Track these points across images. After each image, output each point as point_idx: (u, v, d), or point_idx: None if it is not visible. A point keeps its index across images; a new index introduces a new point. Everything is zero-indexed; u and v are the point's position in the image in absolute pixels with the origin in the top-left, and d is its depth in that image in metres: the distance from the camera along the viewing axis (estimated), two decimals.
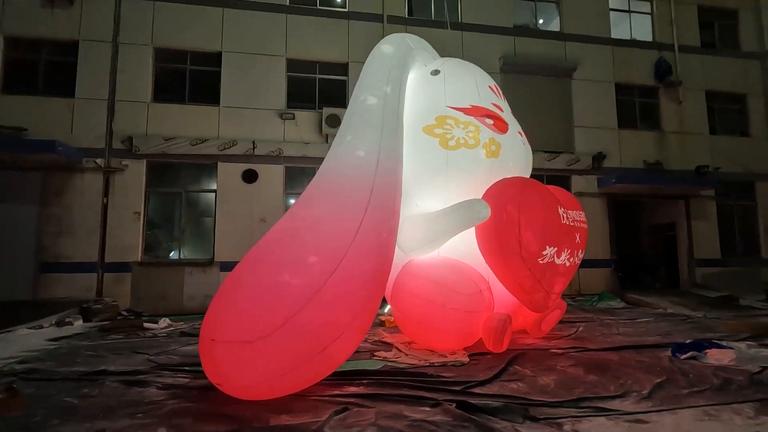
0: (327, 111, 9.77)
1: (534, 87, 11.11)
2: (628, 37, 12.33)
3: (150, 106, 9.44)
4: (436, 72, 6.04)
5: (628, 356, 4.95)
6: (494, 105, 5.91)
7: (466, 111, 5.67)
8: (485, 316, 5.01)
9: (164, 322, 7.15)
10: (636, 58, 12.08)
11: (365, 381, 3.88)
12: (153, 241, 9.55)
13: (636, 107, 12.11)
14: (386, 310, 7.13)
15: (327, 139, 9.95)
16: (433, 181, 5.45)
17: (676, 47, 12.30)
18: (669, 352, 5.06)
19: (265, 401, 3.32)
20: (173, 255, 9.48)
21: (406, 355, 4.96)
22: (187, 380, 3.97)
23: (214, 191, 9.55)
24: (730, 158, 12.13)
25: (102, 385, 3.83)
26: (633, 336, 6.25)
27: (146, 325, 6.92)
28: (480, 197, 5.27)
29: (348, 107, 5.37)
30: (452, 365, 4.52)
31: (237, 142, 9.51)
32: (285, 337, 3.19)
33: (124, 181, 9.07)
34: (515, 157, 5.80)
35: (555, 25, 12.08)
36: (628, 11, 12.50)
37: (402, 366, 4.47)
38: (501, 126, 5.70)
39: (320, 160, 9.52)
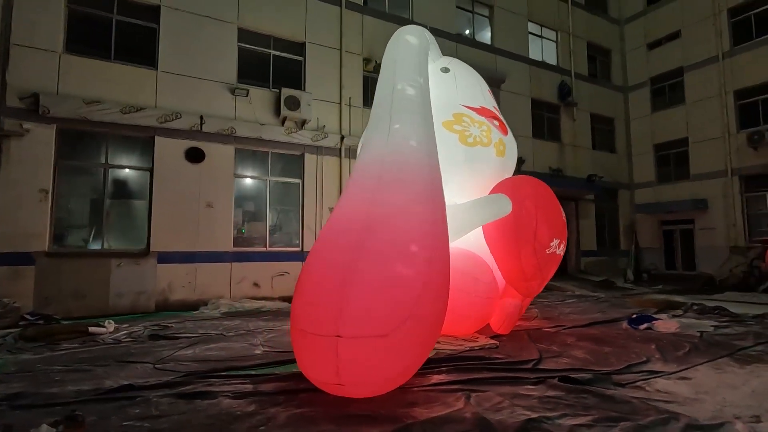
0: (286, 92, 9.11)
1: None
2: (540, 59, 14.28)
3: (62, 57, 7.51)
4: (446, 70, 6.25)
5: (605, 330, 5.98)
6: (495, 108, 6.41)
7: (477, 111, 6.03)
8: (499, 302, 5.48)
9: (111, 325, 5.91)
10: (546, 79, 14.08)
11: (443, 368, 3.96)
12: (66, 226, 7.68)
13: (545, 121, 14.13)
14: None
15: (284, 122, 9.29)
16: (452, 176, 5.65)
17: (572, 73, 14.72)
18: (626, 325, 6.28)
19: (372, 397, 3.18)
20: (94, 244, 7.77)
21: (438, 342, 5.12)
22: (251, 387, 3.50)
23: (149, 170, 8.11)
24: (604, 170, 15.07)
25: (150, 402, 3.16)
26: (582, 314, 7.48)
27: (92, 329, 5.64)
28: (487, 193, 5.74)
29: (380, 93, 5.18)
30: (489, 348, 4.86)
31: (181, 114, 8.22)
32: (412, 329, 3.12)
33: (23, 150, 7.07)
34: (513, 157, 6.40)
35: (487, 38, 13.29)
36: (541, 36, 14.47)
37: (448, 351, 4.64)
38: (503, 128, 6.23)
39: (277, 144, 8.99)
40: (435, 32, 11.38)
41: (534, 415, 2.86)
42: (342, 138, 9.97)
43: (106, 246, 7.76)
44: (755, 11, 12.87)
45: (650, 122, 15.54)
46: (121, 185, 8.13)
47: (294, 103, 9.16)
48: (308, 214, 9.54)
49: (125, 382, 3.56)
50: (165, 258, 7.95)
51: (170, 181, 8.14)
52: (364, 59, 10.61)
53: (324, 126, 9.84)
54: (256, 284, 8.81)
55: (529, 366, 4.07)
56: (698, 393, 3.36)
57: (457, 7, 12.51)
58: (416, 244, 3.54)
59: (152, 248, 7.89)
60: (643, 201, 15.31)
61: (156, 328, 6.10)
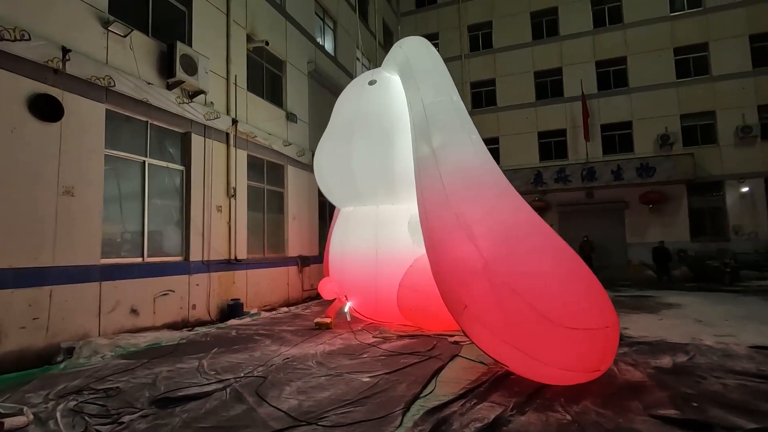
0: (182, 48, 6.80)
1: (326, 99, 12.38)
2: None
3: None
4: None
5: None
6: None
7: None
8: None
9: (28, 411, 3.17)
10: None
11: None
12: None
13: None
14: (345, 309, 6.68)
15: (169, 86, 6.87)
16: None
17: None
18: None
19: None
20: None
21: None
22: (494, 406, 3.28)
23: None
24: None
25: None
26: None
27: (9, 422, 2.91)
28: None
29: (433, 99, 5.47)
30: None
31: (29, 35, 4.84)
32: None
33: None
34: None
35: (331, 50, 13.75)
36: (361, 63, 16.18)
37: None
38: None
39: (163, 114, 7.12)
40: (302, 30, 11.16)
41: (666, 359, 4.24)
42: (234, 122, 8.24)
43: None
44: (485, 89, 19.19)
45: None
46: None
47: (191, 67, 6.97)
48: (195, 212, 7.36)
49: None
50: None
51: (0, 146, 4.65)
52: (248, 35, 9.10)
53: (212, 103, 7.86)
54: (134, 310, 6.10)
55: None
56: (654, 332, 5.64)
57: (315, 13, 12.46)
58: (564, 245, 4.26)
59: None
60: None
61: (101, 395, 3.66)
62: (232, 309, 7.74)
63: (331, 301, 7.45)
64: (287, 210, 10.31)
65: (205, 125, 7.59)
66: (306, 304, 9.90)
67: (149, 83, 6.41)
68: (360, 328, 6.46)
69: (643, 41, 16.63)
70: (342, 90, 13.14)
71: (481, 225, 4.12)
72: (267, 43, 9.28)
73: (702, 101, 15.75)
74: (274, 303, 9.31)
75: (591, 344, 3.35)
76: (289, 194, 10.36)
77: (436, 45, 20.60)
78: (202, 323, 7.21)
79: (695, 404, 3.08)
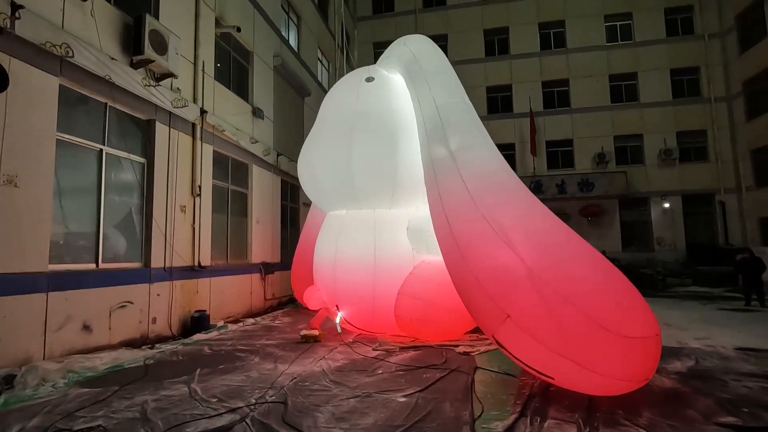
0: (152, 22, 5.90)
1: (290, 97, 11.74)
2: (320, 83, 15.40)
3: None
4: None
5: None
6: None
7: None
8: None
9: None
10: None
11: None
12: None
13: None
14: (337, 320, 6.19)
15: (132, 63, 5.92)
16: None
17: None
18: None
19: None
20: None
21: (472, 346, 5.52)
22: (569, 425, 3.11)
23: None
24: None
25: None
26: None
27: None
28: None
29: (446, 101, 5.33)
30: None
31: None
32: None
33: None
34: None
35: (295, 46, 13.08)
36: (322, 63, 15.64)
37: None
38: None
39: (126, 96, 6.46)
40: (270, 23, 10.53)
41: (678, 364, 4.39)
42: (203, 113, 7.36)
43: None
44: None
45: None
46: None
47: (160, 45, 6.08)
48: (157, 212, 6.39)
49: None
50: None
51: None
52: (216, 19, 8.26)
53: (179, 89, 6.95)
54: (86, 327, 5.07)
55: None
56: None
57: (282, 6, 11.76)
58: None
59: None
60: None
61: None
62: (197, 322, 6.83)
63: (307, 310, 6.89)
64: (251, 213, 9.48)
65: (171, 113, 6.68)
66: (272, 314, 9.12)
67: (112, 58, 5.46)
68: (351, 339, 6.01)
69: (583, 66, 18.09)
70: (306, 88, 12.69)
71: (517, 231, 3.98)
72: (239, 30, 8.51)
73: (632, 125, 17.46)
74: (237, 314, 8.44)
75: (644, 352, 3.32)
76: (254, 196, 9.55)
77: None
78: (163, 339, 6.25)
79: (746, 409, 3.16)
